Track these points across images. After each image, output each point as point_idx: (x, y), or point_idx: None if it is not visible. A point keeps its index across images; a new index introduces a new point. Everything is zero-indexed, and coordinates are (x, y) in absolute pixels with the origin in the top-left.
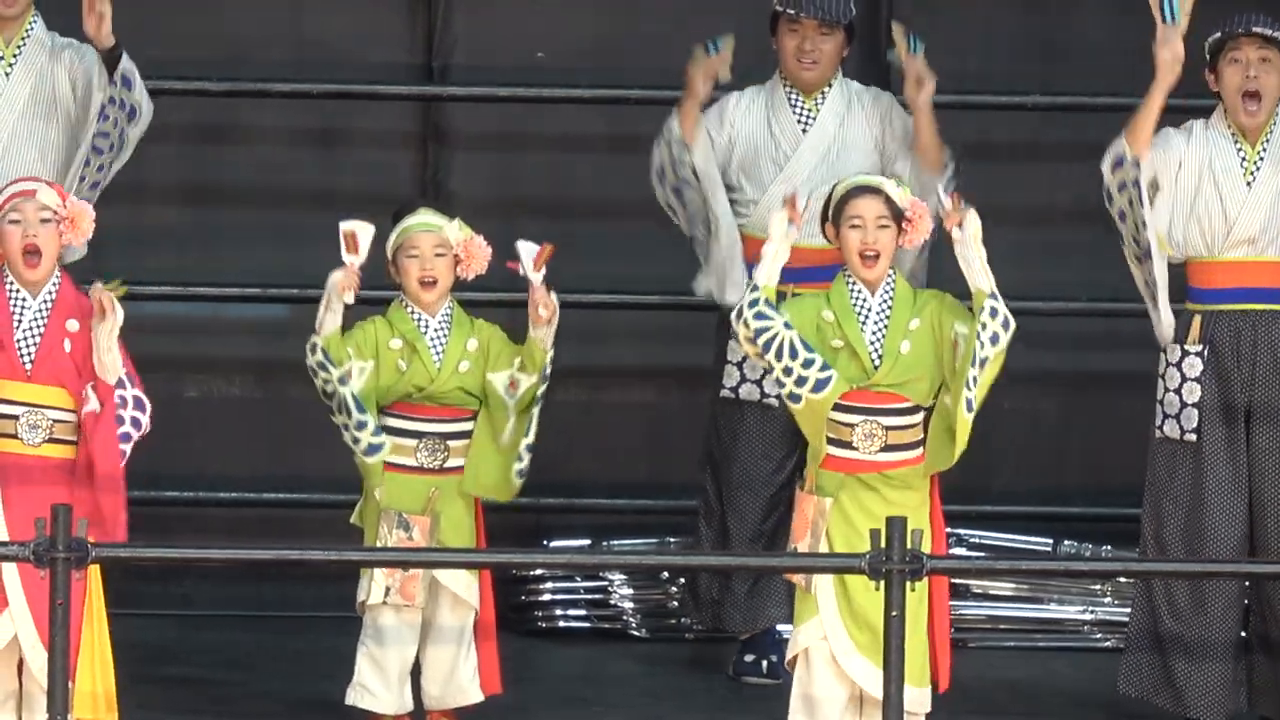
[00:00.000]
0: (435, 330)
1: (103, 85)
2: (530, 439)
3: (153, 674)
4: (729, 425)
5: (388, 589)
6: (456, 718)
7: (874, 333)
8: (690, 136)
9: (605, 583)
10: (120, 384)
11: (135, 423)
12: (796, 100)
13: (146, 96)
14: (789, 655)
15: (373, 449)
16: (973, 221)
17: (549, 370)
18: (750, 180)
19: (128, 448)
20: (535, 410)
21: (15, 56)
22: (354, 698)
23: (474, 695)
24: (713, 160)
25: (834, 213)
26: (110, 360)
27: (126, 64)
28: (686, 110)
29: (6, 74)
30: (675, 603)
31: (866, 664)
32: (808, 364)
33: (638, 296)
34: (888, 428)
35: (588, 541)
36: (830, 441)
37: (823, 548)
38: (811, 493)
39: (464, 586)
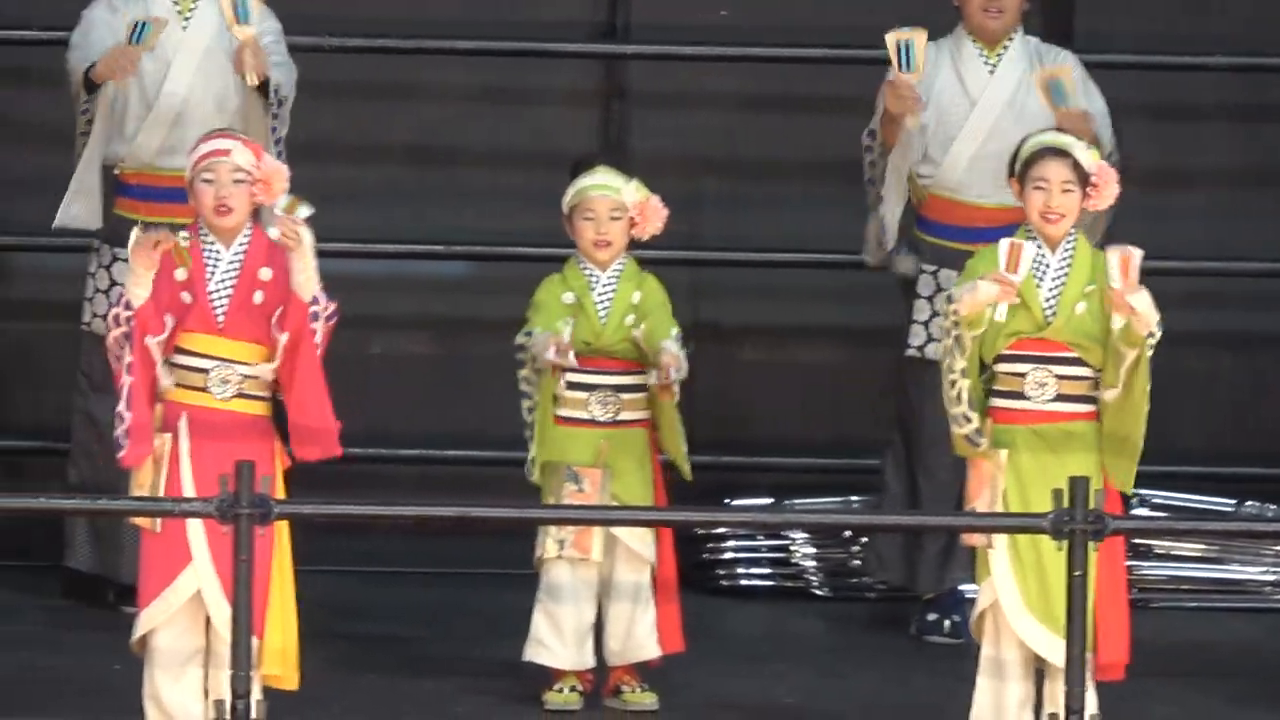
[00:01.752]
0: (604, 285)
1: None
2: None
3: (336, 630)
4: (917, 384)
5: (562, 542)
6: (638, 674)
7: (1050, 290)
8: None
9: (787, 541)
10: (314, 300)
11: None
12: (981, 52)
13: (291, 77)
14: (973, 616)
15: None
16: (1137, 292)
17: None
18: (938, 133)
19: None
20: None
21: (191, 10)
22: (531, 653)
23: (651, 650)
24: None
25: (1020, 171)
26: (307, 280)
27: (277, 78)
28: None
29: (184, 27)
30: (857, 561)
31: (1036, 624)
32: (965, 419)
33: (819, 255)
34: (1060, 376)
35: (770, 500)
36: (1001, 394)
37: (998, 504)
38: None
39: (639, 540)
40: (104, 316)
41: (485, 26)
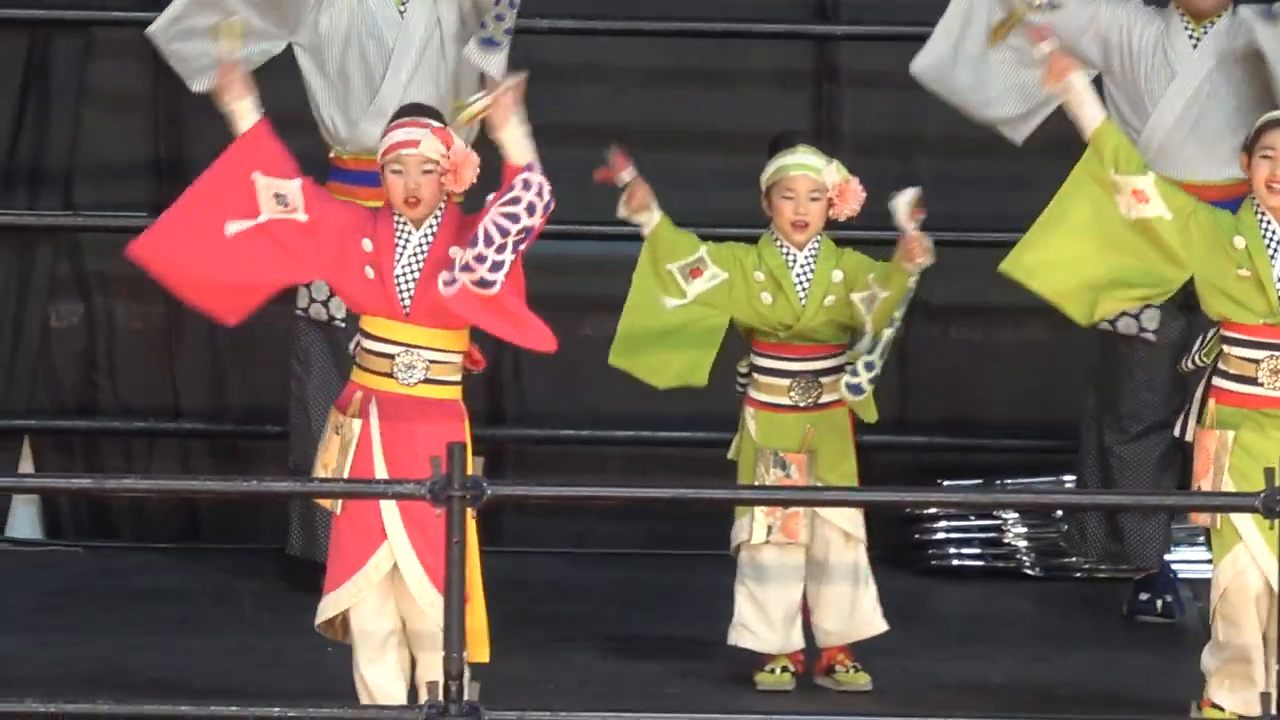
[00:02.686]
0: (802, 265)
1: None
2: (874, 357)
3: (547, 611)
4: (1111, 359)
5: (770, 528)
6: (853, 654)
7: None
8: None
9: (999, 521)
10: (530, 168)
11: (530, 209)
12: (1187, 25)
13: None
14: (1213, 596)
15: None
16: None
17: (909, 295)
18: (1140, 106)
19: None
20: (889, 332)
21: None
22: (735, 637)
23: (878, 626)
24: None
25: (1249, 143)
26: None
27: None
28: None
29: (401, 12)
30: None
31: None
32: None
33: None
34: None
35: (981, 480)
36: (1234, 378)
37: (1225, 483)
38: (1212, 428)
39: (848, 521)
40: (323, 302)
41: (696, 7)
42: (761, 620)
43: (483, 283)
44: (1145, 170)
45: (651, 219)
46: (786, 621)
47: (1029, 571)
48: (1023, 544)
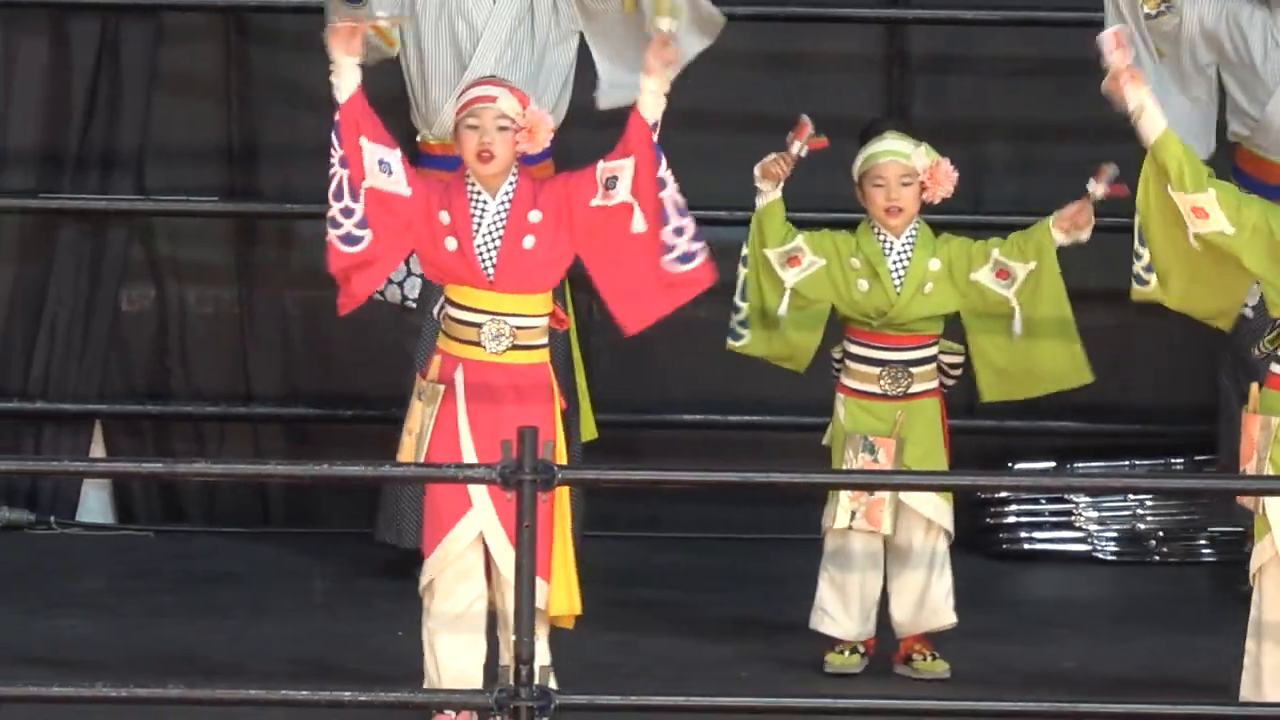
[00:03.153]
0: (899, 252)
1: None
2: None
3: (619, 595)
4: (1241, 332)
5: (853, 513)
6: (930, 642)
7: None
8: None
9: (1070, 505)
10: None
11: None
12: None
13: None
14: (1251, 575)
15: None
16: None
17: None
18: (1254, 92)
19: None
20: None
21: None
22: (815, 621)
23: (948, 617)
24: None
25: None
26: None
27: None
28: None
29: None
30: (1141, 525)
31: None
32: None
33: (1101, 219)
34: None
35: (1052, 464)
36: None
37: (1265, 469)
38: (1256, 412)
39: (932, 507)
40: (399, 283)
41: None
42: (841, 607)
43: (687, 256)
44: (1206, 186)
45: (773, 194)
46: (865, 610)
47: (1100, 556)
48: (1094, 528)
